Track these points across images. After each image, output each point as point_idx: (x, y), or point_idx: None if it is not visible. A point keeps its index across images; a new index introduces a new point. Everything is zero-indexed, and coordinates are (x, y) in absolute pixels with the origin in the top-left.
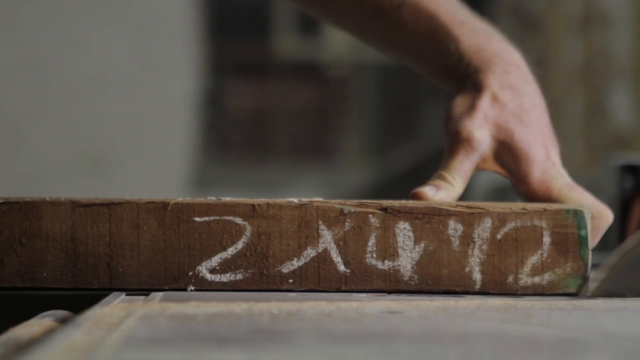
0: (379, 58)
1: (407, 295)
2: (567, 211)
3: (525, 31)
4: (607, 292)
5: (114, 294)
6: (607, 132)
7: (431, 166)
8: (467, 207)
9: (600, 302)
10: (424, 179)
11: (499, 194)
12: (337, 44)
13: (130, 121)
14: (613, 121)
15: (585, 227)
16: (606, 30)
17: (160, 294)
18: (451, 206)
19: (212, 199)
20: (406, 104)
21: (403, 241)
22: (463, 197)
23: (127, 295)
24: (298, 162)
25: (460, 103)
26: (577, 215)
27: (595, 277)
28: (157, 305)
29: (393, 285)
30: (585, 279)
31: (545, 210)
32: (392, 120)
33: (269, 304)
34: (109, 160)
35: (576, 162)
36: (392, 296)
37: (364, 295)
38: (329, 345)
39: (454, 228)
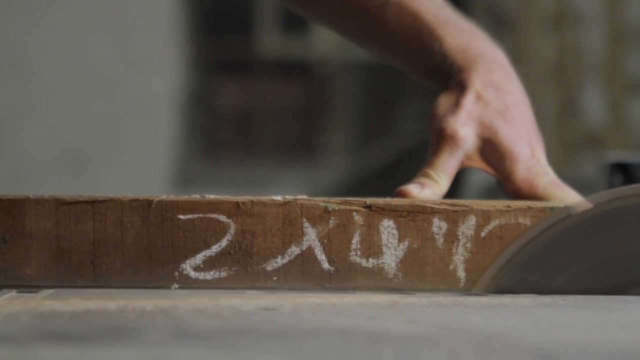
0: (363, 56)
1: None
2: (552, 209)
3: (498, 29)
4: (500, 288)
5: (4, 290)
6: (579, 130)
7: (409, 162)
8: (451, 204)
9: (485, 299)
10: (402, 175)
11: (492, 192)
12: (323, 42)
13: (113, 119)
14: (585, 119)
15: None
16: (578, 28)
17: (50, 290)
18: (435, 204)
19: (196, 196)
20: (390, 102)
21: (387, 239)
22: (454, 195)
23: (17, 292)
24: (281, 160)
25: (444, 101)
26: None
27: (486, 274)
28: (35, 302)
29: (377, 283)
30: None
31: (529, 207)
32: (375, 118)
33: (149, 301)
34: (92, 159)
35: (549, 159)
36: (294, 293)
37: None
38: (169, 343)
39: (439, 226)
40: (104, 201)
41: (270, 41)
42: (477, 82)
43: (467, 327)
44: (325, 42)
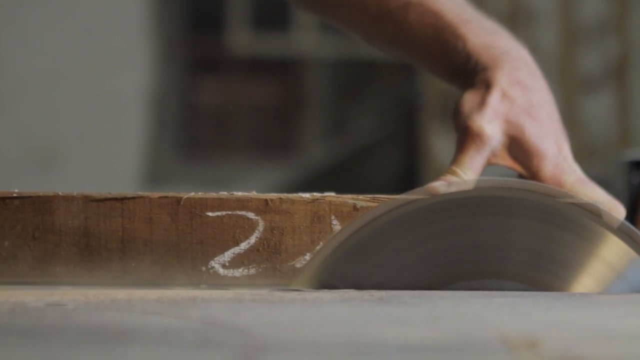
0: (338, 54)
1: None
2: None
3: None
4: (321, 283)
5: None
6: None
7: (366, 159)
8: None
9: (288, 294)
10: (357, 173)
11: None
12: (297, 40)
13: (83, 117)
14: None
15: None
16: (532, 26)
17: None
18: None
19: (224, 193)
20: (362, 99)
21: None
22: None
23: None
24: (253, 158)
25: (469, 99)
26: None
27: (309, 267)
28: None
29: None
30: None
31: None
32: (349, 115)
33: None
34: (63, 156)
35: None
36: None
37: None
38: None
39: None
40: (133, 198)
41: (243, 39)
42: (502, 80)
43: (231, 323)
44: (299, 40)
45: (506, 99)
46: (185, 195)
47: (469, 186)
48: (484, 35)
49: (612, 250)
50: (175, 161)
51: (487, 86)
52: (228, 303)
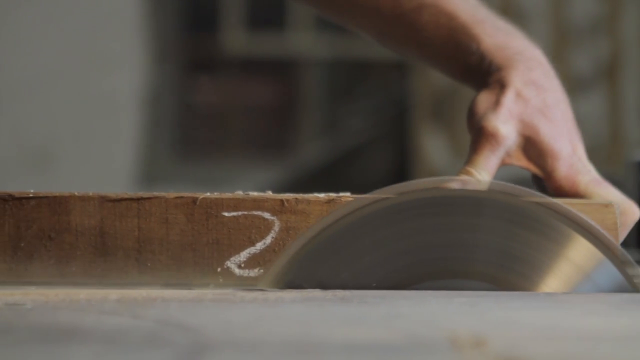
0: (333, 54)
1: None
2: (606, 206)
3: None
4: (287, 282)
5: None
6: None
7: (355, 159)
8: None
9: (251, 294)
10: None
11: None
12: (292, 40)
13: (78, 116)
14: None
15: None
16: (523, 26)
17: None
18: None
19: (240, 193)
20: (356, 99)
21: None
22: None
23: None
24: (248, 158)
25: (483, 99)
26: None
27: (275, 267)
28: None
29: None
30: None
31: (572, 205)
32: (343, 115)
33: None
34: (56, 156)
35: None
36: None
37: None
38: None
39: None
40: (149, 198)
41: (238, 38)
42: (516, 80)
43: (184, 322)
44: (294, 40)
45: (520, 99)
46: (201, 195)
47: (482, 187)
48: (498, 35)
49: (579, 251)
50: (170, 161)
51: (501, 86)
52: (187, 303)
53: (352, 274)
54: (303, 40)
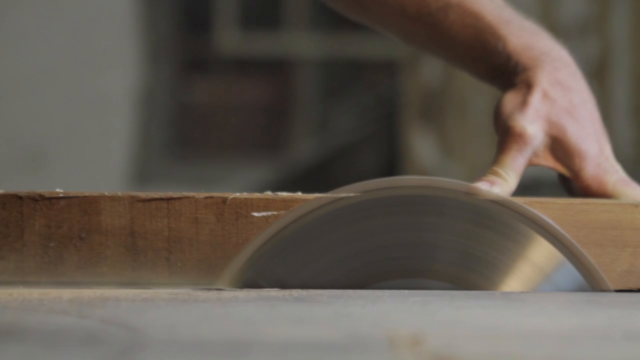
0: (322, 54)
1: None
2: (637, 206)
3: None
4: (245, 281)
5: None
6: None
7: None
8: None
9: (203, 294)
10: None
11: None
12: (286, 39)
13: (71, 116)
14: None
15: None
16: None
17: None
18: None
19: (269, 194)
20: (350, 98)
21: None
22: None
23: None
24: (241, 158)
25: (510, 100)
26: None
27: (233, 266)
28: None
29: None
30: None
31: (599, 206)
32: (330, 114)
33: None
34: (50, 156)
35: (482, 157)
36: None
37: None
38: None
39: None
40: (179, 198)
41: (231, 38)
42: (543, 81)
43: (128, 322)
44: (287, 40)
45: (547, 99)
46: (231, 195)
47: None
48: (524, 36)
49: (539, 253)
50: (163, 160)
51: (528, 87)
52: (138, 302)
53: (312, 273)
54: (295, 40)
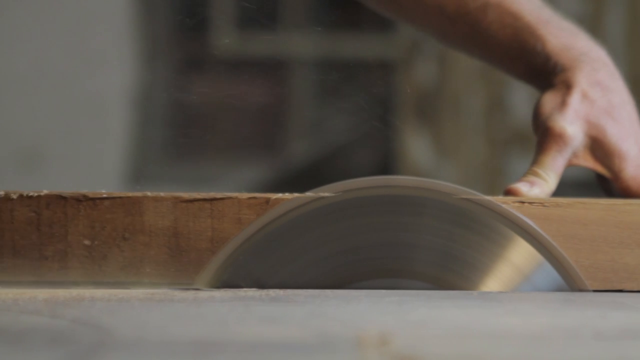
0: (317, 54)
1: None
2: None
3: None
4: (223, 282)
5: None
6: (507, 127)
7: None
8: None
9: (180, 294)
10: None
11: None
12: (282, 40)
13: (66, 116)
14: (513, 116)
15: None
16: None
17: None
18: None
19: (310, 194)
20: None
21: None
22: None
23: None
24: (237, 158)
25: (549, 100)
26: None
27: (211, 266)
28: None
29: None
30: None
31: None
32: (325, 115)
33: None
34: (45, 156)
35: (477, 157)
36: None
37: None
38: None
39: None
40: (222, 199)
41: (227, 39)
42: (582, 81)
43: (99, 322)
44: (285, 41)
45: (586, 100)
46: (274, 195)
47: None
48: (563, 36)
49: (519, 253)
50: (160, 161)
51: (567, 87)
52: (113, 302)
53: (291, 272)
54: (292, 41)
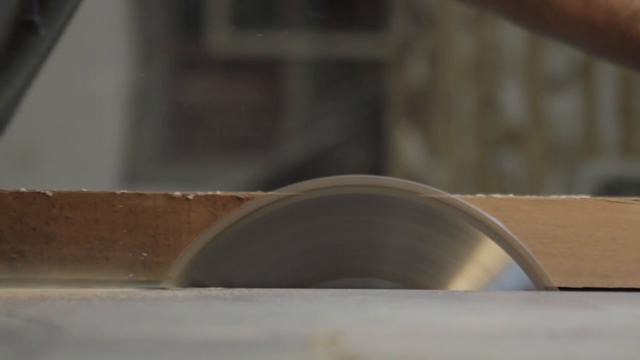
0: (311, 53)
1: None
2: None
3: (418, 25)
4: (191, 280)
5: None
6: (498, 126)
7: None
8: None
9: (147, 293)
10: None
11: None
12: (278, 40)
13: (62, 115)
14: (505, 116)
15: None
16: (498, 25)
17: None
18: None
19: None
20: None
21: None
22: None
23: None
24: (230, 157)
25: None
26: None
27: (180, 263)
28: None
29: None
30: None
31: None
32: (317, 114)
33: None
34: (40, 155)
35: (468, 156)
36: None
37: None
38: None
39: None
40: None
41: (222, 38)
42: None
43: (52, 321)
44: (279, 40)
45: None
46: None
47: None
48: None
49: (487, 254)
50: (155, 160)
51: None
52: (74, 302)
53: (258, 271)
54: (286, 40)
